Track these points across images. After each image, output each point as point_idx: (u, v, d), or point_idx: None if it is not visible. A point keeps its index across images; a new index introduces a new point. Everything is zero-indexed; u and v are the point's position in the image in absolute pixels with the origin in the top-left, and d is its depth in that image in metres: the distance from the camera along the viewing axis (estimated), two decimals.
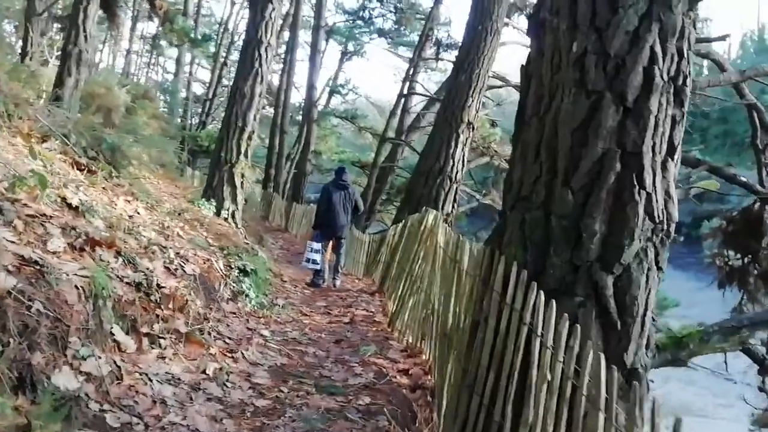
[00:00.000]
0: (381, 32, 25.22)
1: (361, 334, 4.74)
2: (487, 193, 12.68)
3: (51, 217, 3.21)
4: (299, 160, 20.67)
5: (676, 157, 2.20)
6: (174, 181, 11.83)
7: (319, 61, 23.77)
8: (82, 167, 4.90)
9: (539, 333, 2.06)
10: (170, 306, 3.44)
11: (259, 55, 8.54)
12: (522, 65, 2.59)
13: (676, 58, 2.14)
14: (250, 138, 8.54)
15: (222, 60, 27.79)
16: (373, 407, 3.34)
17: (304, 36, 27.01)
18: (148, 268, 3.52)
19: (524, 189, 2.37)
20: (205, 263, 4.39)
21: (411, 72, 15.00)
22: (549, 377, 1.97)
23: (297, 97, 27.95)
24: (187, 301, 3.61)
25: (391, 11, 23.76)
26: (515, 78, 15.72)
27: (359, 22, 25.60)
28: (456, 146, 7.17)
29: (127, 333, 3.03)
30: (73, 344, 2.54)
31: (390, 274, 6.89)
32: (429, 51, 17.99)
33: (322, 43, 24.31)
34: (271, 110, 26.05)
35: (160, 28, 9.71)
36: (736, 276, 7.93)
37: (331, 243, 7.87)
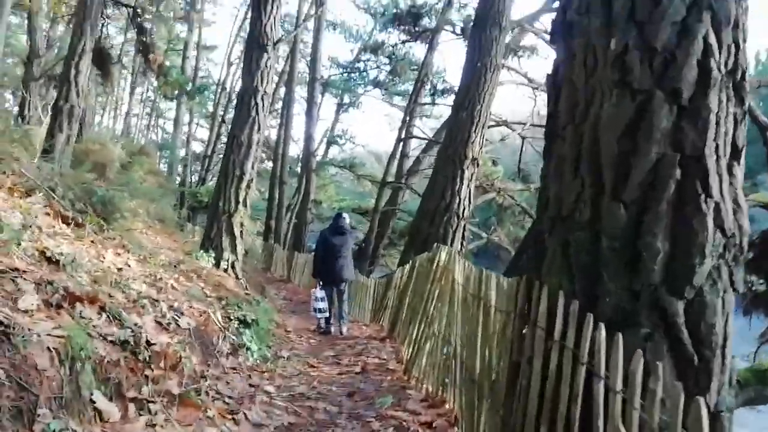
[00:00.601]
0: (376, 83, 25.60)
1: (375, 385, 4.30)
2: (493, 232, 12.30)
3: (25, 272, 2.87)
4: (299, 210, 20.48)
5: (741, 161, 1.89)
6: (172, 236, 11.54)
7: (316, 113, 24.01)
8: (69, 221, 4.60)
9: (602, 374, 1.69)
10: (161, 365, 3.05)
11: (256, 103, 8.42)
12: (547, 74, 2.33)
13: (732, 50, 1.86)
14: (248, 186, 8.30)
15: (220, 118, 28.10)
16: None
17: (301, 92, 27.51)
18: (136, 324, 3.15)
19: (564, 208, 2.05)
20: (201, 316, 4.02)
21: (408, 118, 15.01)
22: (623, 430, 1.58)
23: (295, 149, 28.17)
24: (180, 358, 3.22)
25: (384, 63, 24.11)
26: (512, 118, 15.74)
27: (354, 75, 26.04)
28: (461, 183, 6.90)
29: (110, 399, 2.63)
30: (43, 417, 2.16)
31: (400, 318, 6.48)
32: (424, 99, 18.14)
33: (318, 96, 24.63)
34: (270, 164, 26.16)
35: (155, 83, 9.66)
36: (761, 302, 7.59)
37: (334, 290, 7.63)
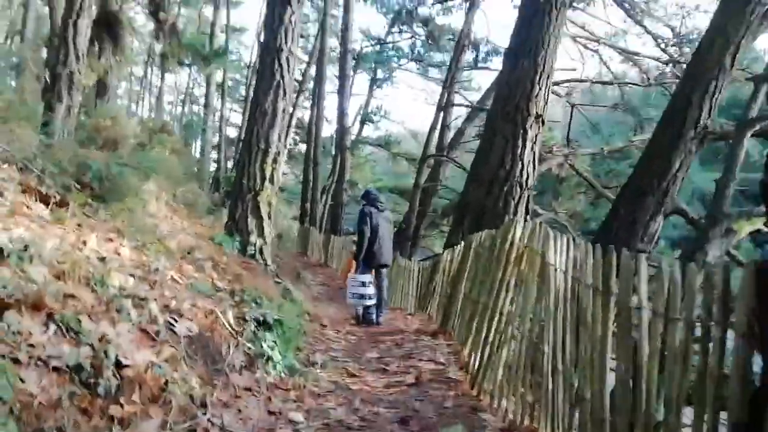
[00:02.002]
0: (411, 56, 24.30)
1: (436, 404, 3.29)
2: (554, 206, 10.92)
3: None
4: (335, 191, 19.60)
5: None
6: (200, 220, 10.80)
7: (349, 88, 22.96)
8: (49, 200, 3.73)
9: None
10: (135, 397, 2.11)
11: (280, 65, 7.43)
12: None
13: None
14: (275, 161, 7.35)
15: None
16: None
17: (333, 69, 26.43)
18: (103, 337, 2.22)
19: None
20: (207, 317, 3.08)
21: (448, 82, 13.72)
22: None
23: (329, 130, 27.29)
24: (166, 383, 2.28)
25: (419, 35, 22.64)
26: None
27: (387, 47, 24.80)
28: (524, 146, 5.75)
29: None
30: None
31: (454, 309, 5.45)
32: (465, 65, 16.77)
33: (350, 71, 23.56)
34: (304, 146, 25.36)
35: (166, 46, 8.86)
36: None
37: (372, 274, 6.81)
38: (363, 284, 6.45)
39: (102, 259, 3.13)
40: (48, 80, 9.71)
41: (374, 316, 6.78)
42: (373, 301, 6.55)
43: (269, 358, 3.16)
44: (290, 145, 27.69)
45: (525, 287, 3.06)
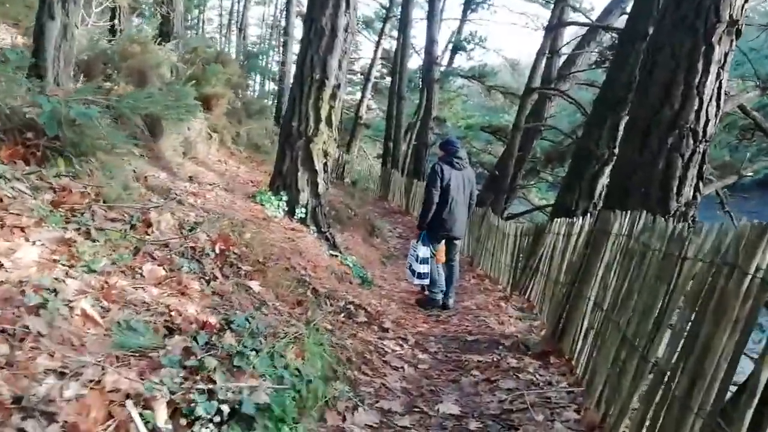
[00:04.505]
0: None
1: None
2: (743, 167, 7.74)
3: None
4: (420, 129, 17.63)
5: None
6: (260, 166, 9.51)
7: (439, 12, 20.37)
8: None
9: None
10: None
11: None
12: None
13: None
14: (333, 96, 5.67)
15: None
16: None
17: None
18: None
19: None
20: (109, 418, 1.55)
21: None
22: None
23: (416, 62, 24.93)
24: None
25: None
26: None
27: None
28: (706, 71, 3.60)
29: None
30: None
31: (576, 321, 3.65)
32: None
33: None
34: (389, 80, 23.31)
35: None
36: None
37: (442, 246, 5.46)
38: (418, 259, 5.03)
39: None
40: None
41: (441, 297, 5.35)
42: (424, 281, 5.22)
43: None
44: (376, 77, 25.81)
45: None
